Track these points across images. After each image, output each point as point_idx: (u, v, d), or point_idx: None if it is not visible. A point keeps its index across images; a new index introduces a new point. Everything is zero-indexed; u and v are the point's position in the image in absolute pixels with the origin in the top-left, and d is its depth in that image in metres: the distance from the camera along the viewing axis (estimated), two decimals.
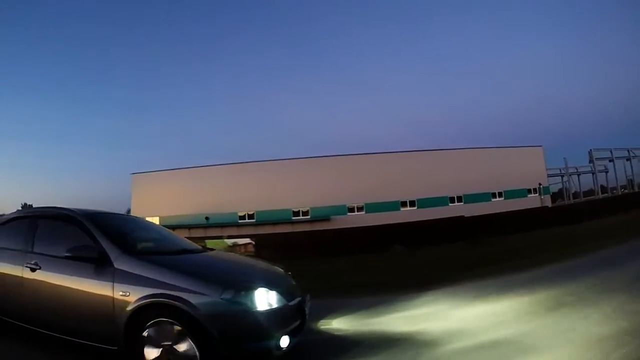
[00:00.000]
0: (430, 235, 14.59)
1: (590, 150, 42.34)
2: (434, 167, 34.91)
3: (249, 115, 79.83)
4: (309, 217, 34.10)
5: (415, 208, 34.06)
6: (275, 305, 2.89)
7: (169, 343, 2.68)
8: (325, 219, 33.16)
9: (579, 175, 43.43)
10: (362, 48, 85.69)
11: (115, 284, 2.90)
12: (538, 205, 30.37)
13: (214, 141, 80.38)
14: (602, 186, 45.35)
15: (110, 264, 3.01)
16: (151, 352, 2.72)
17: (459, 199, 35.05)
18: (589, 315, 3.53)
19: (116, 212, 4.87)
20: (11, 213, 4.23)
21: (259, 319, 2.77)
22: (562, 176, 43.10)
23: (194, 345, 2.62)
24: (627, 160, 45.41)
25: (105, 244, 3.14)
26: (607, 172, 46.26)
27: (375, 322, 3.99)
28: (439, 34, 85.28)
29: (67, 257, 3.08)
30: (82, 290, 3.04)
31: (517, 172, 35.21)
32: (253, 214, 34.55)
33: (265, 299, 2.85)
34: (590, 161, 42.46)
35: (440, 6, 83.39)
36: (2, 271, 3.61)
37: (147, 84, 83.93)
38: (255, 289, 2.86)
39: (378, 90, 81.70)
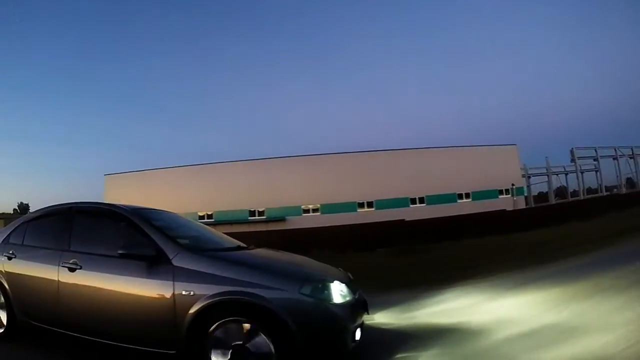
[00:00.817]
0: (361, 241, 14.10)
1: (572, 148, 39.22)
2: (395, 167, 33.27)
3: (208, 114, 79.56)
4: (264, 217, 33.37)
5: (373, 209, 32.61)
6: (348, 298, 2.80)
7: (240, 342, 2.53)
8: (281, 219, 32.64)
9: (567, 174, 41.69)
10: (326, 45, 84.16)
11: (176, 283, 2.71)
12: (510, 207, 28.83)
13: (175, 142, 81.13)
14: (588, 188, 42.97)
15: (167, 261, 2.81)
16: (219, 353, 2.56)
17: (421, 200, 33.22)
18: None
19: None
20: (39, 209, 3.96)
21: (337, 312, 2.67)
22: (547, 176, 41.33)
23: (269, 343, 2.48)
24: (613, 159, 42.28)
25: (161, 241, 2.94)
26: (597, 172, 43.75)
27: (413, 316, 4.04)
28: (413, 30, 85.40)
29: (121, 255, 2.88)
30: (135, 291, 2.84)
31: (489, 172, 33.55)
32: (212, 214, 33.98)
33: (340, 292, 2.76)
34: (572, 160, 39.22)
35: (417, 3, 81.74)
36: (32, 272, 3.39)
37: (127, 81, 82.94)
38: (331, 282, 2.78)
39: (343, 88, 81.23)
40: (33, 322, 3.35)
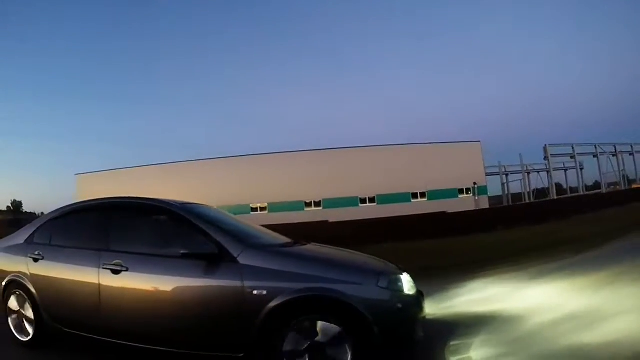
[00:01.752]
0: None
1: (545, 145, 36.98)
2: (345, 166, 32.10)
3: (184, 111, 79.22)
4: None
5: (320, 208, 31.73)
6: (415, 289, 2.80)
7: (317, 340, 2.45)
8: None
9: (549, 172, 39.76)
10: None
11: (245, 282, 2.55)
12: (472, 207, 28.30)
13: (151, 140, 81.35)
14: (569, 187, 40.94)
15: (232, 259, 2.65)
16: (293, 352, 2.45)
17: (372, 199, 32.15)
18: None
19: None
20: (66, 206, 3.63)
21: (410, 304, 2.70)
22: (522, 174, 40.38)
23: (347, 338, 2.42)
24: (594, 157, 39.95)
25: (223, 238, 2.76)
26: (582, 169, 41.97)
27: (450, 305, 4.13)
28: (391, 29, 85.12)
29: (184, 255, 2.68)
30: (197, 293, 2.67)
31: (449, 170, 31.96)
32: None
33: (409, 284, 2.77)
34: (545, 158, 37.03)
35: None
36: (66, 275, 3.12)
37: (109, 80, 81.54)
38: (402, 274, 2.78)
39: (312, 86, 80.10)
40: (66, 330, 3.12)
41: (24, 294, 3.35)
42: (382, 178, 31.03)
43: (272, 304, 2.46)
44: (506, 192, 41.46)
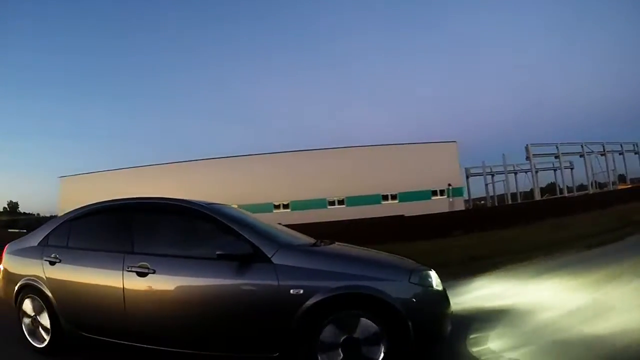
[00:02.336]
0: None
1: (527, 145, 35.81)
2: (315, 167, 31.50)
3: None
4: None
5: (288, 210, 31.16)
6: (442, 285, 2.87)
7: (352, 336, 2.48)
8: None
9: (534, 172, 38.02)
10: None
11: (280, 282, 2.56)
12: (446, 209, 27.60)
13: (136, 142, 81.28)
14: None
15: (266, 259, 2.65)
16: (329, 349, 2.48)
17: (341, 201, 31.30)
18: None
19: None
20: (83, 206, 3.49)
21: (440, 299, 2.78)
22: (505, 174, 39.10)
23: (382, 334, 2.47)
24: (580, 156, 38.80)
25: (255, 238, 2.76)
26: (572, 169, 40.88)
27: (460, 301, 4.25)
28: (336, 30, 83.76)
29: (219, 256, 2.65)
30: (230, 294, 2.66)
31: (423, 171, 30.97)
32: None
33: (437, 280, 2.83)
34: (527, 158, 35.96)
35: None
36: (87, 279, 3.03)
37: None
38: (431, 270, 2.84)
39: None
40: (86, 335, 3.03)
41: (39, 299, 3.24)
42: (354, 179, 30.27)
43: (309, 302, 2.48)
44: (490, 194, 40.53)
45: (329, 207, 30.72)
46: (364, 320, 2.48)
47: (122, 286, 2.85)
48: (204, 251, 2.81)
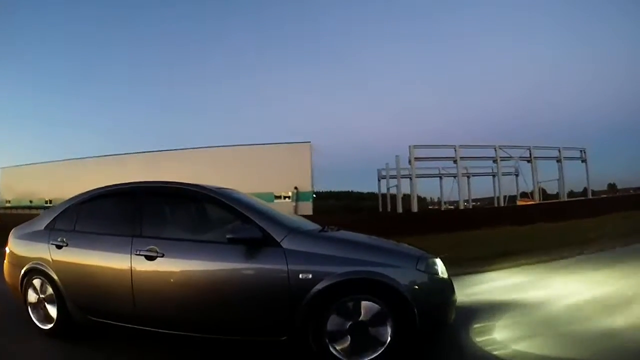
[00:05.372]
0: None
1: (410, 146, 32.66)
2: (157, 169, 31.93)
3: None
4: None
5: None
6: (447, 273, 2.92)
7: (359, 320, 2.53)
8: None
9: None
10: None
11: (290, 266, 2.59)
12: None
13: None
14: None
15: (275, 244, 2.68)
16: (336, 333, 2.53)
17: None
18: None
19: None
20: (89, 191, 3.51)
21: (445, 287, 2.83)
22: (398, 179, 37.30)
23: (389, 319, 2.52)
24: (494, 162, 34.75)
25: (265, 223, 2.78)
26: (517, 175, 37.32)
27: (471, 293, 4.34)
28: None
29: (230, 240, 2.67)
30: (239, 278, 2.70)
31: (269, 173, 30.42)
32: None
33: (442, 268, 2.88)
34: (409, 162, 33.08)
35: None
36: (94, 262, 3.05)
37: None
38: (436, 258, 2.88)
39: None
40: (93, 319, 3.06)
41: (45, 282, 3.27)
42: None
43: (318, 286, 2.51)
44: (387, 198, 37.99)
45: None
46: (370, 305, 2.53)
47: (130, 270, 2.85)
48: (214, 235, 2.87)
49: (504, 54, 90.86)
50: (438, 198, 37.72)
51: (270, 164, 31.14)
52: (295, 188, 30.90)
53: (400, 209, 34.47)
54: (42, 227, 3.44)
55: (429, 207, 44.41)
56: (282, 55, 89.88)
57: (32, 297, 3.38)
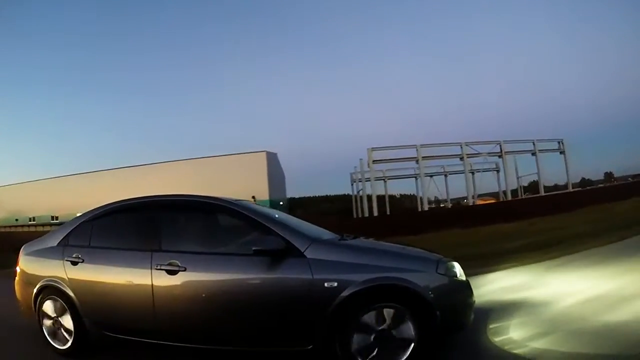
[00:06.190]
0: None
1: (368, 149, 31.70)
2: (113, 185, 34.01)
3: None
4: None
5: None
6: (464, 276, 2.95)
7: (383, 328, 2.55)
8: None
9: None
10: None
11: (315, 275, 2.60)
12: None
13: None
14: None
15: (299, 254, 2.69)
16: (362, 340, 2.54)
17: None
18: None
19: None
20: (102, 206, 3.48)
21: (464, 289, 2.88)
22: (363, 182, 36.85)
23: (412, 325, 2.55)
24: (460, 159, 33.50)
25: (287, 233, 2.80)
26: (498, 171, 36.55)
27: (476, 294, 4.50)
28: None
29: (255, 252, 2.68)
30: (264, 289, 2.69)
31: (231, 183, 30.37)
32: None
33: (461, 271, 2.92)
34: (368, 165, 32.17)
35: None
36: (113, 279, 3.02)
37: None
38: (454, 261, 2.93)
39: None
40: (111, 334, 3.02)
41: (60, 300, 3.21)
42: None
43: (343, 294, 2.52)
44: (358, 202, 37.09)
45: None
46: (395, 311, 2.55)
47: (150, 284, 2.83)
48: (234, 247, 2.89)
49: (493, 52, 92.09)
50: (421, 197, 36.29)
51: (227, 175, 31.27)
52: (253, 197, 30.55)
53: (367, 213, 33.58)
54: (55, 244, 3.40)
55: (415, 208, 43.01)
56: (251, 62, 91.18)
57: (46, 315, 3.33)
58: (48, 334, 3.32)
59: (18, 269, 3.59)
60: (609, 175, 39.45)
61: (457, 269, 2.88)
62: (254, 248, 2.68)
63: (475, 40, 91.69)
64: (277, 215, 3.19)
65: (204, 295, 2.77)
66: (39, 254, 3.47)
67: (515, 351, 2.83)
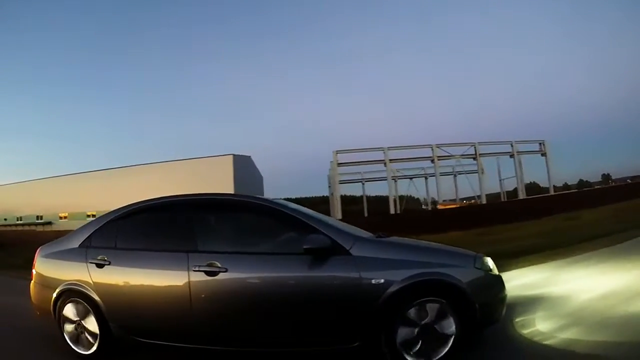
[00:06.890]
0: None
1: (334, 151, 30.91)
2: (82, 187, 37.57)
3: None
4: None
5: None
6: (497, 270, 3.04)
7: (427, 322, 2.60)
8: None
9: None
10: None
11: (361, 272, 2.61)
12: None
13: None
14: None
15: (344, 252, 2.69)
16: (407, 335, 2.57)
17: None
18: None
19: None
20: (128, 205, 3.33)
21: (499, 283, 2.97)
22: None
23: (453, 319, 2.60)
24: (432, 161, 32.50)
25: (331, 232, 2.77)
26: (477, 172, 35.52)
27: None
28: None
29: (306, 251, 2.65)
30: (312, 288, 2.66)
31: (196, 188, 30.09)
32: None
33: (494, 265, 3.01)
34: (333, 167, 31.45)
35: None
36: (145, 281, 2.91)
37: None
38: (488, 257, 3.01)
39: None
40: (140, 339, 2.92)
41: (84, 303, 3.08)
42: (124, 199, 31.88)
43: (390, 290, 2.55)
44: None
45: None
46: (436, 305, 2.61)
47: (188, 287, 2.74)
48: (277, 247, 2.87)
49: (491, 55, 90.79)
50: (415, 198, 35.55)
51: (194, 178, 30.96)
52: None
53: (339, 214, 32.83)
54: (77, 245, 3.26)
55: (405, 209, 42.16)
56: (235, 63, 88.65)
57: (68, 320, 3.18)
58: (69, 339, 3.17)
59: (34, 272, 3.44)
60: (606, 177, 37.41)
61: (491, 263, 2.96)
62: (305, 247, 2.65)
63: (459, 40, 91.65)
64: (317, 215, 3.15)
65: (248, 296, 2.72)
66: (58, 256, 3.32)
67: (546, 342, 2.94)
